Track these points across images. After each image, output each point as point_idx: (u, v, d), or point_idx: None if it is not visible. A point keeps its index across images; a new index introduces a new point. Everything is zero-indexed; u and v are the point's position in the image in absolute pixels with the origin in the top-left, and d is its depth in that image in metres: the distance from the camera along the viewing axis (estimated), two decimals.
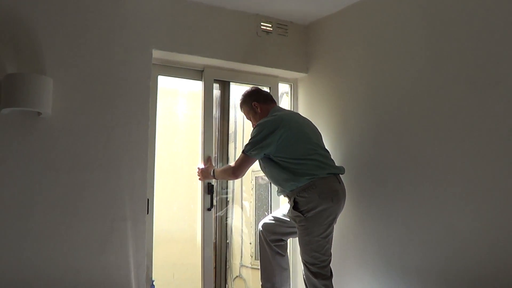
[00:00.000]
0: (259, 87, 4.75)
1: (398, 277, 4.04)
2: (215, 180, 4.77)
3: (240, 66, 4.96)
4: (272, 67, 5.06)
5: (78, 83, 4.08)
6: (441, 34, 3.86)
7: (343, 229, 4.39)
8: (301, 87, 5.32)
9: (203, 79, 4.81)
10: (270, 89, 5.11)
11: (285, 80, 5.31)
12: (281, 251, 4.50)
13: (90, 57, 4.14)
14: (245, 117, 4.73)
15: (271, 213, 4.97)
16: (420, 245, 3.89)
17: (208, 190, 4.70)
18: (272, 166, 4.25)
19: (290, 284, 4.54)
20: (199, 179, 4.71)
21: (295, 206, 4.13)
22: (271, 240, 4.47)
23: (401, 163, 4.09)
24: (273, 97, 4.74)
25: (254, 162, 4.37)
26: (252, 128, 4.40)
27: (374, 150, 4.30)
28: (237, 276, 5.46)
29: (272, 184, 4.94)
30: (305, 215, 4.06)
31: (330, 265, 4.09)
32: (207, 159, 4.71)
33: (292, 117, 4.41)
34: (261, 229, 4.55)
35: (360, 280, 4.37)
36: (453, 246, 3.67)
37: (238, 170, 4.36)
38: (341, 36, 4.85)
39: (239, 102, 4.69)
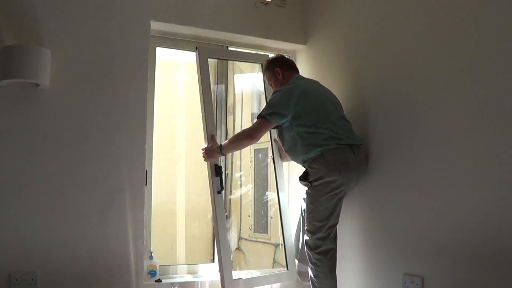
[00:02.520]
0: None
1: (401, 250, 4.04)
2: (222, 156, 4.70)
3: (237, 37, 4.93)
4: (270, 38, 5.03)
5: (76, 54, 4.09)
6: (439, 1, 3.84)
7: (345, 202, 4.38)
8: (300, 58, 5.27)
9: (197, 55, 4.65)
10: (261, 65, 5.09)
11: (283, 52, 5.24)
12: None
13: (88, 28, 4.14)
14: (239, 93, 4.73)
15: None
16: (423, 218, 3.88)
17: (216, 172, 4.47)
18: (289, 137, 4.22)
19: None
20: (204, 160, 4.46)
21: (305, 176, 4.19)
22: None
23: (405, 135, 4.06)
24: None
25: (270, 127, 4.30)
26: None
27: (375, 122, 4.27)
28: (236, 249, 5.48)
29: (275, 157, 4.92)
30: (312, 184, 4.10)
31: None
32: (210, 138, 4.51)
33: (310, 84, 4.38)
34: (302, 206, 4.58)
35: (362, 253, 4.38)
36: (456, 218, 3.66)
37: (255, 132, 4.20)
38: (340, 6, 4.80)
39: (263, 67, 4.69)
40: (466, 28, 3.64)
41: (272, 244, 5.36)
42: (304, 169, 4.30)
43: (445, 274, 3.71)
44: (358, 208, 4.38)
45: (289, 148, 4.28)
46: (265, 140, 5.20)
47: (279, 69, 4.51)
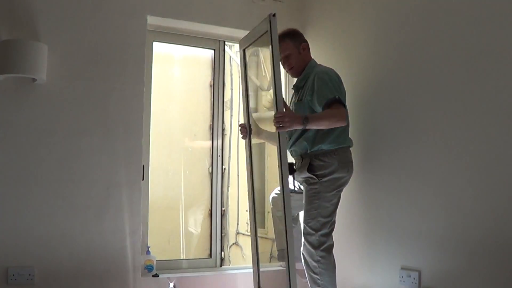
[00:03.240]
0: None
1: (398, 244, 4.05)
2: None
3: (234, 32, 4.91)
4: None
5: (73, 49, 4.09)
6: None
7: (343, 197, 4.38)
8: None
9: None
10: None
11: None
12: (293, 223, 4.50)
13: (85, 23, 4.14)
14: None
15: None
16: (420, 212, 3.89)
17: (290, 170, 4.09)
18: None
19: (300, 252, 4.54)
20: (281, 127, 3.76)
21: (310, 168, 4.03)
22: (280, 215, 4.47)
23: (402, 129, 4.07)
24: None
25: None
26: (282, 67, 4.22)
27: (373, 117, 4.27)
28: (233, 243, 5.49)
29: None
30: (319, 179, 3.99)
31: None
32: (283, 104, 3.94)
33: None
34: (271, 203, 4.53)
35: (359, 247, 4.39)
36: (452, 212, 3.67)
37: (344, 117, 3.89)
38: (338, 1, 4.80)
39: (285, 33, 4.22)
40: (463, 26, 3.66)
41: (269, 239, 5.35)
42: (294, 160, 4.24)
43: (442, 268, 3.72)
44: (356, 202, 4.39)
45: (302, 135, 4.10)
46: None
47: (306, 45, 4.28)
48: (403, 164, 4.04)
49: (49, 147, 3.96)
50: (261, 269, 4.69)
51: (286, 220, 3.81)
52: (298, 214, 4.53)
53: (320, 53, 4.82)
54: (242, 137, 4.36)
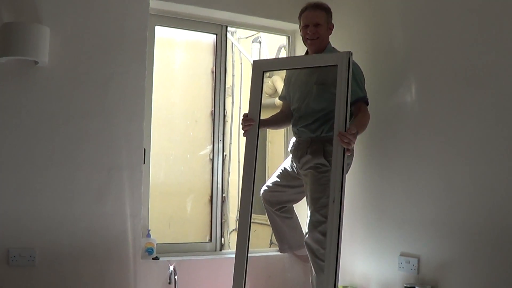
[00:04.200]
0: None
1: (397, 231, 4.06)
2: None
3: (236, 17, 4.91)
4: (269, 18, 4.99)
5: (75, 32, 4.08)
6: None
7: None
8: (299, 39, 5.14)
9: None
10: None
11: (282, 32, 5.25)
12: (288, 214, 4.52)
13: (87, 6, 4.13)
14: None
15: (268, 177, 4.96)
16: (420, 199, 3.90)
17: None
18: (330, 106, 3.84)
19: (303, 241, 4.55)
20: (350, 147, 3.60)
21: (324, 154, 3.95)
22: (275, 209, 4.48)
23: (401, 116, 4.08)
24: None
25: None
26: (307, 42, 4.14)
27: (373, 103, 4.26)
28: (233, 230, 5.49)
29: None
30: (331, 167, 3.80)
31: None
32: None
33: None
34: (262, 200, 4.53)
35: (359, 233, 4.40)
36: (451, 199, 3.68)
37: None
38: None
39: (323, 4, 4.12)
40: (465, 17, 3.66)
41: (269, 225, 5.37)
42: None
43: (441, 255, 3.74)
44: (356, 189, 4.40)
45: (316, 117, 4.02)
46: None
47: (332, 26, 4.18)
48: (404, 151, 4.05)
49: (50, 130, 3.96)
50: (260, 254, 4.73)
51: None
52: (292, 205, 4.54)
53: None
54: (244, 134, 4.05)
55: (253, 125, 3.97)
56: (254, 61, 4.24)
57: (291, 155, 4.31)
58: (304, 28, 4.10)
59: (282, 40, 5.37)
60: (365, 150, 4.29)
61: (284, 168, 4.41)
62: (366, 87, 4.03)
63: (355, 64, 3.94)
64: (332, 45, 4.17)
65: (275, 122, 4.42)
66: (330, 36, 4.16)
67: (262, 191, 4.50)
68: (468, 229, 3.56)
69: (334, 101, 3.68)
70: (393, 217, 4.11)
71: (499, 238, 3.38)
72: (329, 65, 3.84)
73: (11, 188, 3.85)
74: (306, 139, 4.11)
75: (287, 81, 4.37)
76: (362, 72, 4.04)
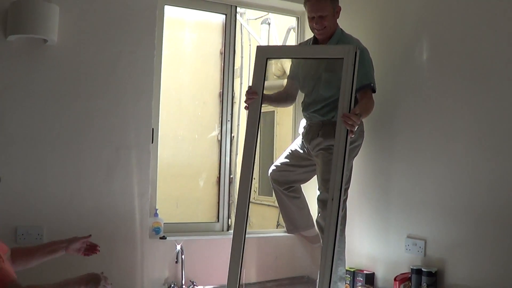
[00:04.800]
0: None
1: (405, 213, 4.06)
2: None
3: None
4: None
5: (84, 11, 4.07)
6: None
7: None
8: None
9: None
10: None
11: (292, 13, 5.21)
12: (296, 194, 4.54)
13: None
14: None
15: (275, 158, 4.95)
16: (428, 182, 3.90)
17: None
18: (339, 93, 3.78)
19: (313, 221, 4.56)
20: (353, 130, 3.57)
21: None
22: (284, 189, 4.49)
23: (408, 99, 4.07)
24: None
25: None
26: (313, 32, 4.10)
27: (387, 87, 4.23)
28: None
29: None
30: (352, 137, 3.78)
31: None
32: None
33: None
34: (270, 179, 4.55)
35: (366, 215, 4.40)
36: (458, 182, 3.68)
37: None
38: None
39: None
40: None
41: (276, 207, 5.38)
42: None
43: (448, 237, 3.75)
44: (363, 171, 4.40)
45: (327, 101, 4.03)
46: None
47: (339, 8, 4.08)
48: (411, 134, 4.04)
49: (59, 109, 3.96)
50: (267, 235, 4.74)
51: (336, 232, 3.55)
52: (300, 185, 4.55)
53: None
54: (245, 107, 4.01)
55: (256, 99, 3.93)
56: (258, 46, 4.19)
57: (301, 137, 4.34)
58: (310, 19, 4.06)
59: (291, 21, 5.34)
60: (372, 133, 4.28)
61: (294, 149, 4.43)
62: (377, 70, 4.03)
63: (364, 50, 3.96)
64: (341, 27, 4.13)
65: (278, 99, 4.43)
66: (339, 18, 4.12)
67: (270, 170, 4.53)
68: (474, 212, 3.57)
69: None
70: (400, 200, 4.11)
71: (505, 220, 3.38)
72: (335, 58, 3.83)
73: (19, 166, 3.86)
74: (317, 122, 4.14)
75: (296, 63, 4.35)
76: (371, 59, 4.02)
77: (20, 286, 2.66)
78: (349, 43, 3.95)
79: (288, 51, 4.24)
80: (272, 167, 4.53)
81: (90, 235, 3.44)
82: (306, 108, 4.22)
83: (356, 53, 3.61)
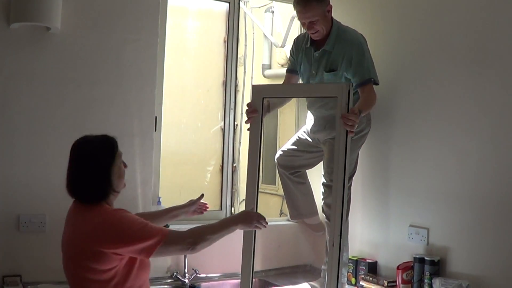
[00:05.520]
0: None
1: (408, 202, 4.06)
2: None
3: None
4: None
5: None
6: None
7: None
8: None
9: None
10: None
11: None
12: (302, 179, 4.54)
13: None
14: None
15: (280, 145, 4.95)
16: (430, 170, 3.90)
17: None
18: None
19: (317, 209, 4.57)
20: (353, 130, 3.51)
21: None
22: (290, 173, 4.49)
23: (418, 87, 4.05)
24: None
25: None
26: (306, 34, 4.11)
27: (390, 75, 4.22)
28: (243, 200, 5.50)
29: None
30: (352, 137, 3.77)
31: None
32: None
33: None
34: (277, 164, 4.55)
35: (368, 204, 4.40)
36: (461, 171, 3.68)
37: (376, 99, 3.92)
38: None
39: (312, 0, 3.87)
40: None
41: (279, 195, 5.39)
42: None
43: (451, 226, 3.75)
44: (366, 160, 4.39)
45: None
46: None
47: (331, 6, 3.97)
48: (413, 123, 4.04)
49: (62, 96, 3.96)
50: (271, 223, 4.71)
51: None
52: (306, 172, 4.55)
53: (340, 7, 4.59)
54: (246, 121, 3.84)
55: (256, 116, 3.80)
56: (253, 86, 4.19)
57: (308, 125, 4.38)
58: (302, 24, 4.03)
59: None
60: (375, 121, 4.26)
61: (303, 137, 4.44)
62: (381, 58, 4.03)
63: (362, 43, 3.97)
64: (344, 16, 4.13)
65: (280, 101, 4.33)
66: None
67: (277, 155, 4.53)
68: (477, 201, 3.56)
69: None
70: (403, 189, 4.11)
71: (509, 208, 3.38)
72: (329, 96, 3.85)
73: (22, 154, 3.86)
74: (323, 116, 4.17)
75: (295, 56, 4.28)
76: (369, 50, 4.00)
77: (181, 232, 2.86)
78: (346, 40, 3.95)
79: (284, 90, 4.24)
80: (279, 152, 4.54)
81: (203, 194, 3.61)
82: (311, 106, 4.27)
83: (349, 91, 3.54)
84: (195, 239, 2.83)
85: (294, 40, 4.34)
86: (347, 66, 3.93)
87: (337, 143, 3.55)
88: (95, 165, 2.80)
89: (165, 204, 4.42)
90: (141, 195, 4.19)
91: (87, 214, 2.75)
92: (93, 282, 2.67)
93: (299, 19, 4.02)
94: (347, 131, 3.48)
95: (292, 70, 4.31)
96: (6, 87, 3.81)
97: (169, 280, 4.30)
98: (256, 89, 3.96)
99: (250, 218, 3.22)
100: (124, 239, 2.66)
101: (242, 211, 3.35)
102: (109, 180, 2.80)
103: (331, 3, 3.97)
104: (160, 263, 4.27)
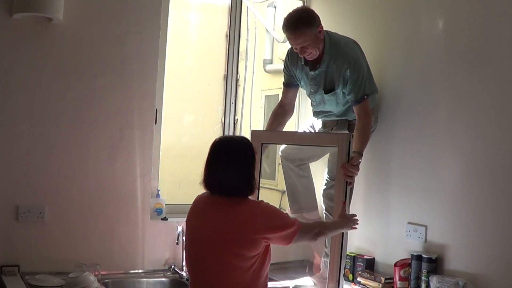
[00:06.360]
0: None
1: (406, 199, 4.06)
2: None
3: None
4: None
5: None
6: None
7: None
8: (315, 3, 5.11)
9: None
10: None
11: None
12: (305, 173, 4.53)
13: None
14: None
15: None
16: (429, 168, 3.89)
17: None
18: (346, 104, 4.07)
19: (317, 204, 4.57)
20: (352, 181, 3.84)
21: (348, 128, 4.14)
22: (294, 166, 4.48)
23: (418, 85, 4.05)
24: None
25: None
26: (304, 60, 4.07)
27: (389, 73, 4.24)
28: None
29: None
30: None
31: None
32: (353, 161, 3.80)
33: None
34: (281, 157, 4.53)
35: (367, 201, 4.40)
36: (460, 169, 3.68)
37: (370, 115, 4.00)
38: None
39: (298, 21, 3.82)
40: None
41: (278, 190, 5.39)
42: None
43: (449, 224, 3.75)
44: (366, 157, 4.37)
45: (341, 107, 4.12)
46: (277, 86, 5.19)
47: (321, 26, 3.90)
48: (412, 122, 4.03)
49: (63, 88, 3.96)
50: None
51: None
52: (308, 164, 4.55)
53: (340, 2, 4.62)
54: None
55: None
56: (253, 131, 4.33)
57: (314, 122, 4.43)
58: (294, 48, 3.99)
59: (297, 4, 5.28)
60: (376, 122, 4.27)
61: (307, 131, 4.47)
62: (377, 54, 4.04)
63: (359, 56, 3.98)
64: (328, 33, 4.03)
65: (279, 123, 4.37)
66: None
67: (281, 148, 4.52)
68: (475, 199, 3.56)
69: (348, 101, 3.98)
70: (401, 186, 4.11)
71: (506, 206, 3.38)
72: (329, 146, 4.04)
73: (22, 144, 3.86)
74: (331, 121, 4.27)
75: (290, 70, 4.25)
76: (364, 58, 4.01)
77: (309, 223, 3.59)
78: (341, 57, 3.93)
79: (283, 137, 4.30)
80: (283, 145, 4.52)
81: None
82: (317, 115, 4.36)
83: (350, 142, 3.72)
84: (320, 231, 3.27)
85: (288, 52, 4.26)
86: (343, 84, 3.95)
87: (337, 190, 3.83)
88: (253, 163, 3.09)
89: (165, 197, 4.43)
90: (140, 188, 4.19)
91: (239, 207, 3.00)
92: (237, 269, 2.94)
93: (291, 44, 3.99)
94: (347, 183, 3.75)
95: (288, 83, 4.31)
96: (7, 77, 3.81)
97: (167, 273, 4.29)
98: (255, 134, 4.11)
99: (347, 221, 3.59)
100: (277, 225, 2.99)
101: (344, 217, 3.61)
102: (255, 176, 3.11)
103: (322, 23, 3.91)
104: (158, 256, 4.29)
